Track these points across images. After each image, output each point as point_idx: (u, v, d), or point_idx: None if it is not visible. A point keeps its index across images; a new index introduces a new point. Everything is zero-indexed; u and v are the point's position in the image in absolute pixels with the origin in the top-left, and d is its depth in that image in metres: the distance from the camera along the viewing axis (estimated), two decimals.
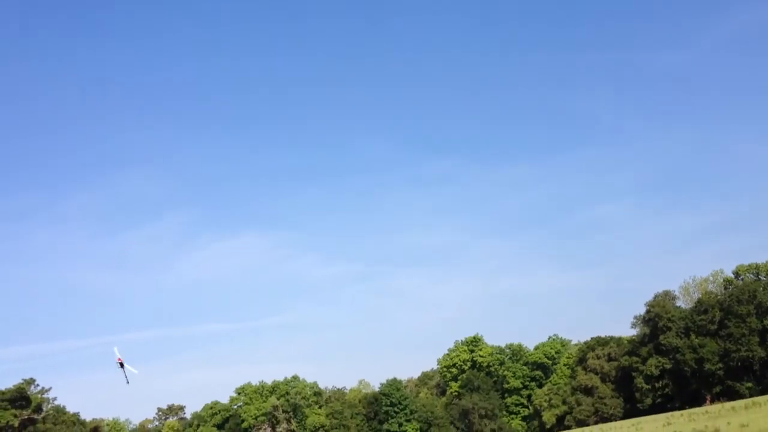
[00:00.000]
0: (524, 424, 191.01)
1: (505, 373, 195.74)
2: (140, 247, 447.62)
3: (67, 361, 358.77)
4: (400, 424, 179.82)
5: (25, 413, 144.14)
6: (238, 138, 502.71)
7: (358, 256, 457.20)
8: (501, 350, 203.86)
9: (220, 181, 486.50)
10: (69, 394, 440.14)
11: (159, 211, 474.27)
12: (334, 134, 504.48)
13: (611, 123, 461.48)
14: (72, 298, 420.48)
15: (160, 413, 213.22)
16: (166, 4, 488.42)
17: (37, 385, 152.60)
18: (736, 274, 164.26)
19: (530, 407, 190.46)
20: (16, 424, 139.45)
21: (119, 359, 79.66)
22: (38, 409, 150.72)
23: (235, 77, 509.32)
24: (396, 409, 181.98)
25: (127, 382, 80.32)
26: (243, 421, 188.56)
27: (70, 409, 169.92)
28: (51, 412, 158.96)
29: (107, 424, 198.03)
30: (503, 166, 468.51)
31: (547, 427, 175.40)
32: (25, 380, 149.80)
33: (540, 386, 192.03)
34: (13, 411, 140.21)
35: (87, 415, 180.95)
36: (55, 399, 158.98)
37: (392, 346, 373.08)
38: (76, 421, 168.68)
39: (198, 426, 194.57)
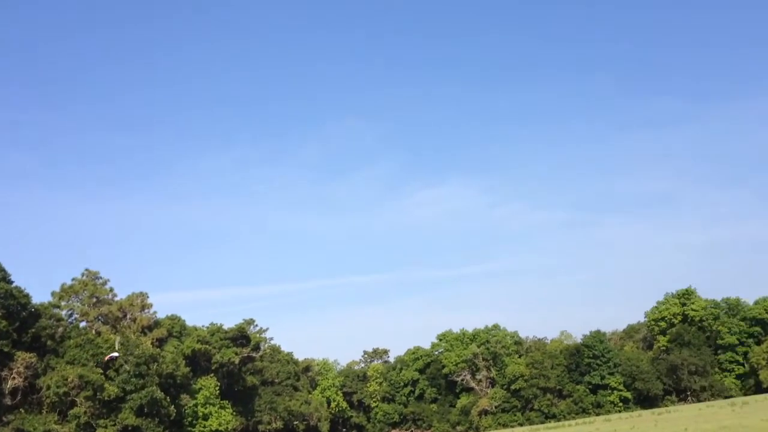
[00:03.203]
0: (738, 382, 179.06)
1: (720, 328, 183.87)
2: (352, 193, 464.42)
3: (282, 304, 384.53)
4: (603, 377, 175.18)
5: (245, 351, 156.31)
6: (447, 80, 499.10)
7: (566, 202, 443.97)
8: (716, 304, 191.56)
9: (429, 126, 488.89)
10: (283, 335, 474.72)
11: (370, 158, 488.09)
12: (532, 74, 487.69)
13: None
14: (288, 243, 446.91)
15: (366, 356, 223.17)
16: None
17: (256, 325, 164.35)
18: None
19: (746, 365, 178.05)
20: (237, 361, 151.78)
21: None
22: (257, 347, 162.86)
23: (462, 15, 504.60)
24: (599, 361, 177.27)
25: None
26: (444, 366, 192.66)
27: (285, 348, 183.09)
28: (268, 350, 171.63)
29: (317, 364, 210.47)
30: (742, 103, 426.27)
31: (764, 386, 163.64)
32: (245, 320, 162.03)
33: (758, 343, 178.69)
34: (235, 349, 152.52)
35: (299, 355, 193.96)
36: (271, 339, 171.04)
37: (596, 297, 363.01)
38: (290, 359, 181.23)
39: (401, 369, 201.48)
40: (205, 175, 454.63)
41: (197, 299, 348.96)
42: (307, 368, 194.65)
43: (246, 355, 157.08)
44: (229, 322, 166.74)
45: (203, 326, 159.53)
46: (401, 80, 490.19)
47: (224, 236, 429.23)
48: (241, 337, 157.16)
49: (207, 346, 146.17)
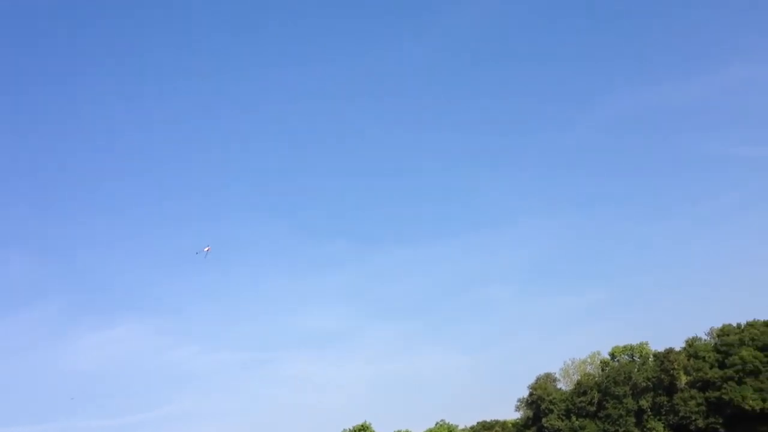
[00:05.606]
0: None
1: None
2: (9, 339, 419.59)
3: None
4: None
5: None
6: (112, 220, 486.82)
7: (242, 342, 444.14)
8: None
9: (96, 266, 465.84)
10: None
11: (31, 299, 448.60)
12: (218, 215, 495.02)
13: (495, 207, 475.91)
14: None
15: None
16: None
17: None
18: (612, 355, 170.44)
19: None
20: None
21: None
22: None
23: (110, 154, 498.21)
24: None
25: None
26: None
27: None
28: None
29: None
30: (390, 250, 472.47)
31: None
32: None
33: None
34: None
35: None
36: None
37: None
38: None
39: None
40: None
41: None
42: None
43: None
44: None
45: None
46: (62, 216, 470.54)
47: None
48: None
49: None
